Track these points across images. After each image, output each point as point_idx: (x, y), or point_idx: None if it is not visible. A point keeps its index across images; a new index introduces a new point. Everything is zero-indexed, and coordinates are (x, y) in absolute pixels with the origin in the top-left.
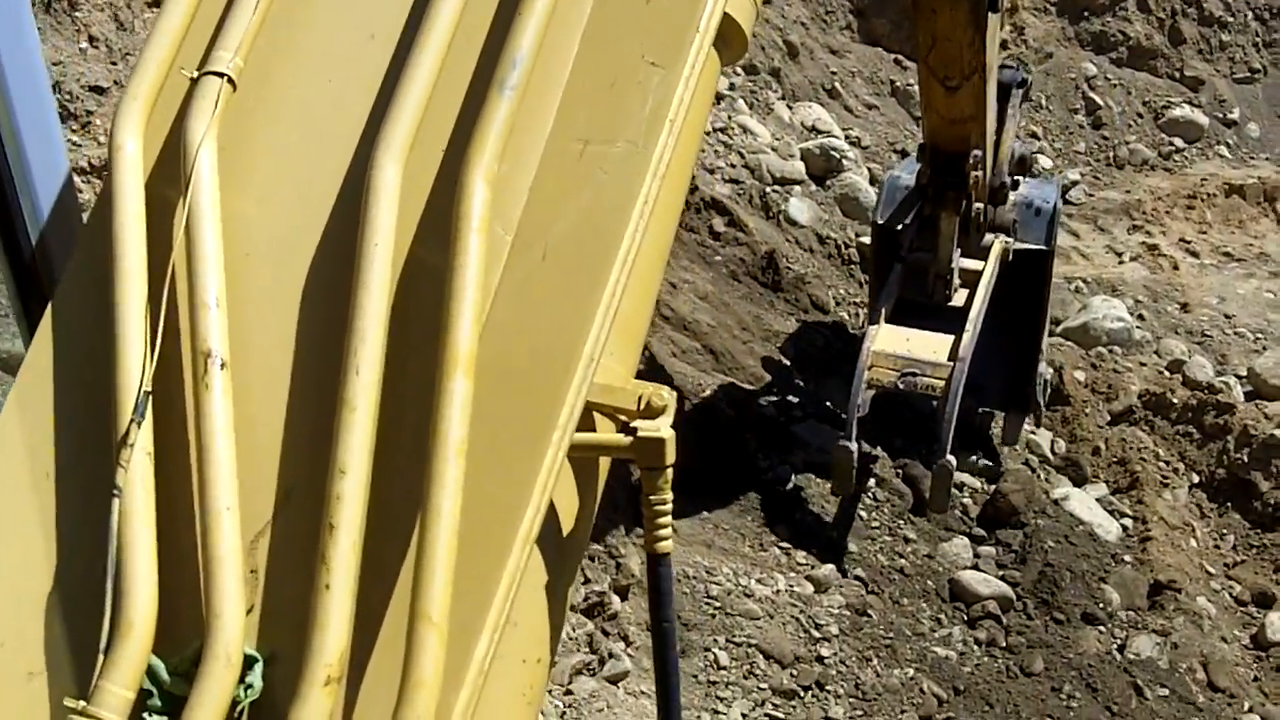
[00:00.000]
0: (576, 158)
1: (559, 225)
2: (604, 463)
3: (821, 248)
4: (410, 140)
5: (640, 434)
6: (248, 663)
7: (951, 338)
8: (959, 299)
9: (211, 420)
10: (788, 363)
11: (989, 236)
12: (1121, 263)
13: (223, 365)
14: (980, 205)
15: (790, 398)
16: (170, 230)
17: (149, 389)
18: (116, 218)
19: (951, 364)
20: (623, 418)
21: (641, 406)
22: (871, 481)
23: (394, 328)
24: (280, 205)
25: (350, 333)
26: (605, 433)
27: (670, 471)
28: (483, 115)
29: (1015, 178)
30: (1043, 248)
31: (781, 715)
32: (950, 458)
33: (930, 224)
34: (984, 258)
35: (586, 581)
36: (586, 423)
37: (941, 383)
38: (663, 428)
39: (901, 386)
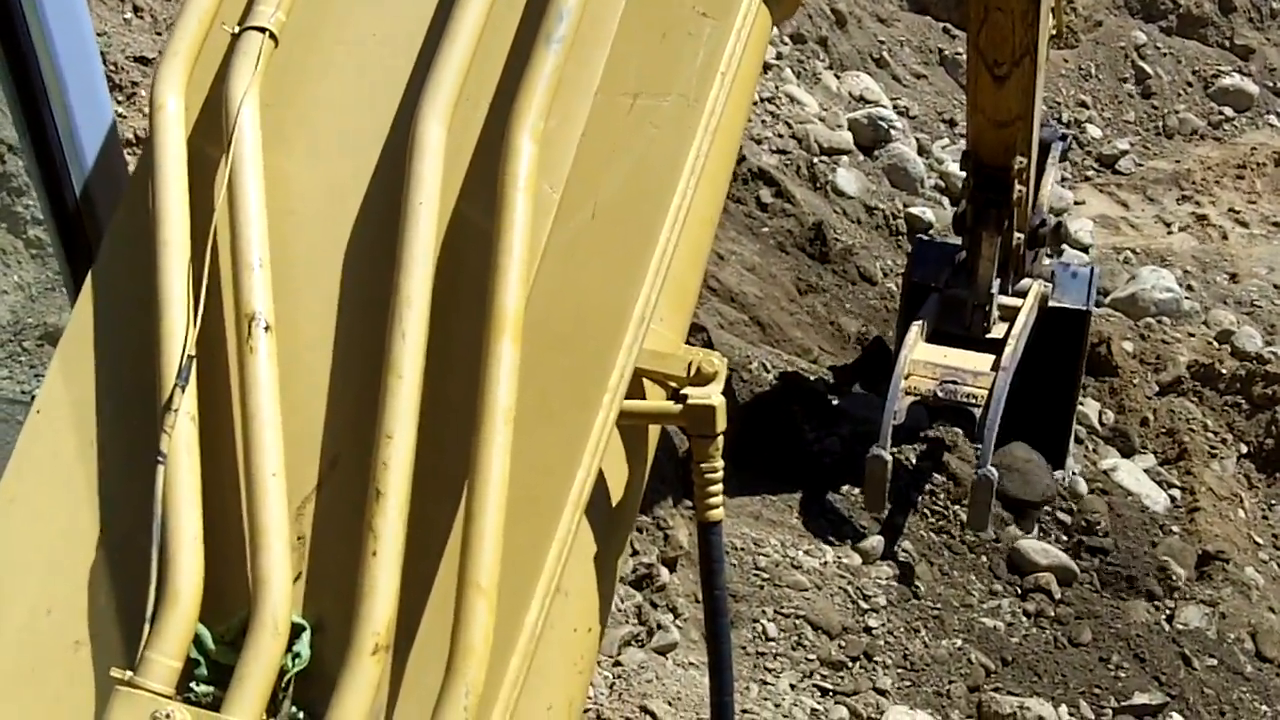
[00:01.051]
0: (626, 112)
1: (609, 182)
2: (653, 431)
3: (869, 218)
4: (455, 96)
5: (691, 401)
6: (295, 631)
7: (992, 356)
8: (997, 332)
9: (256, 384)
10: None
11: (1026, 281)
12: (1170, 233)
13: (267, 328)
14: (1020, 237)
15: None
16: (213, 190)
17: (193, 353)
18: (158, 177)
19: (994, 373)
20: (673, 384)
21: (692, 373)
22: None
23: (440, 290)
24: (324, 163)
25: (395, 296)
26: (655, 400)
27: (721, 439)
28: (529, 70)
29: (1049, 250)
30: (1082, 308)
31: (829, 686)
32: (992, 469)
33: (967, 259)
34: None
35: (635, 553)
36: (636, 390)
37: (984, 391)
38: (713, 394)
39: (941, 395)
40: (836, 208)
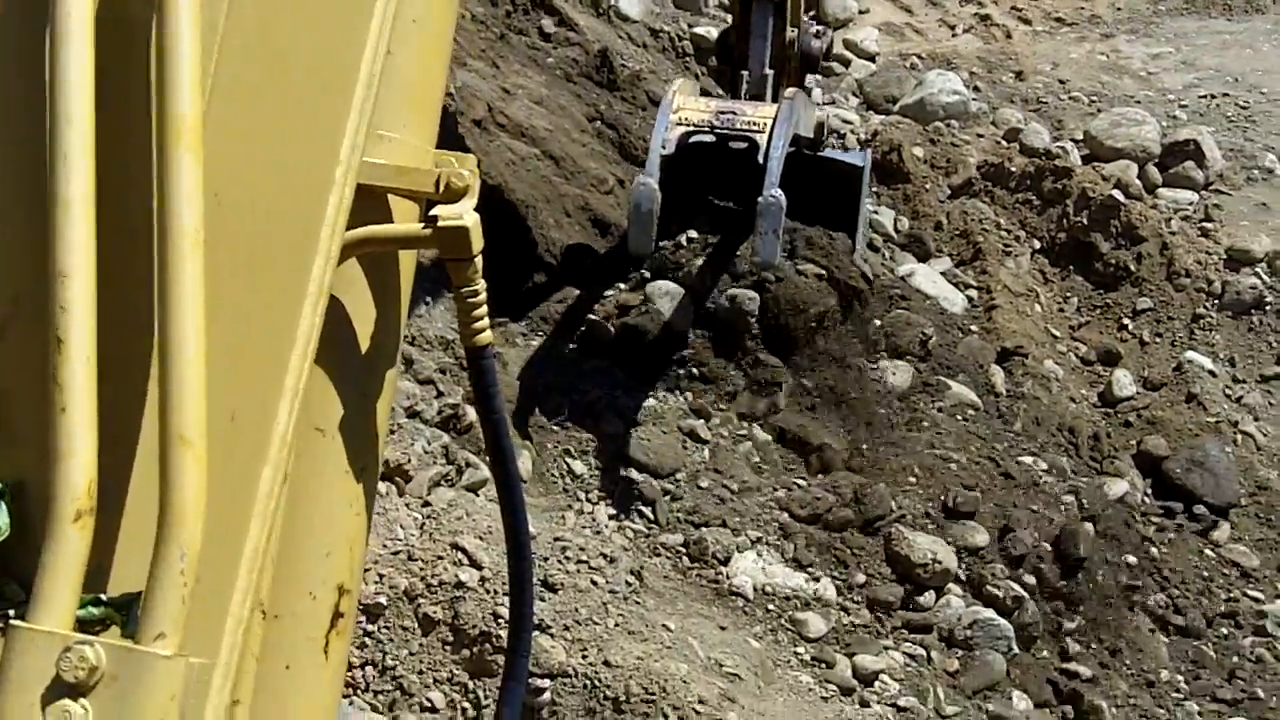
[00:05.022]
0: None
1: None
2: (406, 259)
3: (655, 42)
4: None
5: (441, 222)
6: None
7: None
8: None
9: None
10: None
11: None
12: (955, 35)
13: None
14: (794, 34)
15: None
16: None
17: None
18: None
19: (777, 104)
20: (424, 199)
21: (441, 189)
22: None
23: (105, 99)
24: None
25: (51, 111)
26: (401, 223)
27: (480, 260)
28: None
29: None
30: (858, 164)
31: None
32: (779, 193)
33: (737, 41)
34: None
35: (439, 395)
36: (383, 212)
37: (767, 120)
38: (465, 214)
39: (718, 125)
40: (621, 33)
